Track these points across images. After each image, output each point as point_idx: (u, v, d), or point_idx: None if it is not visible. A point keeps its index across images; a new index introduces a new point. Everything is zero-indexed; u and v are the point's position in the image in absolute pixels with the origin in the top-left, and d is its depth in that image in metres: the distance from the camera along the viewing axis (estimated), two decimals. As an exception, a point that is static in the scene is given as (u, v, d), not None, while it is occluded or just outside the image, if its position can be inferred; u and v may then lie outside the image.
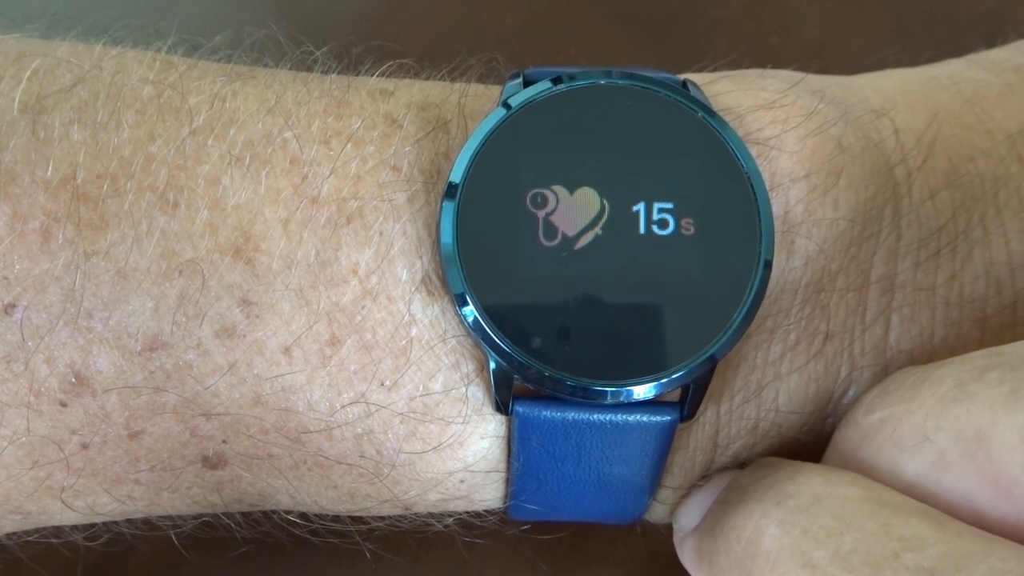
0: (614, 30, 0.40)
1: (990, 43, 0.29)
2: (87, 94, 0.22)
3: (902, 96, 0.26)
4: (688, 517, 0.24)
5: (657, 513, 0.26)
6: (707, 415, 0.24)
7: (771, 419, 0.24)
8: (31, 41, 0.23)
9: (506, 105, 0.22)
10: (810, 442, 0.25)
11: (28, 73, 0.22)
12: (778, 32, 0.40)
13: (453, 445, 0.22)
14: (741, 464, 0.24)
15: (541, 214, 0.21)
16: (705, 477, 0.25)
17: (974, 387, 0.20)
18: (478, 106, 0.23)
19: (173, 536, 0.25)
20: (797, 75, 0.25)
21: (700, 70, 0.26)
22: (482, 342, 0.21)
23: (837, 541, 0.19)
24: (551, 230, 0.21)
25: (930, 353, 0.24)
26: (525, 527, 0.28)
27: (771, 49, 0.39)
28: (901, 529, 0.19)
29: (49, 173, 0.21)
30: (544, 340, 0.21)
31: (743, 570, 0.21)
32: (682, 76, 0.24)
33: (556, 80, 0.22)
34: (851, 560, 0.19)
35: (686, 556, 0.24)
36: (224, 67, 0.23)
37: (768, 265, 0.22)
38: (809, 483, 0.21)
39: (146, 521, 0.25)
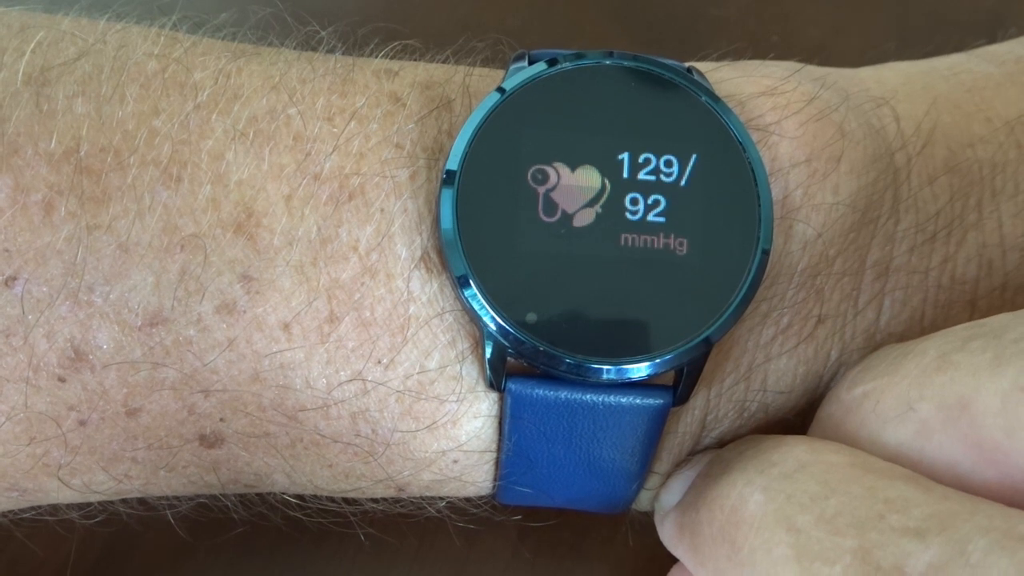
0: (614, 30, 0.41)
1: (991, 42, 0.29)
2: (91, 67, 0.22)
3: (903, 86, 0.26)
4: (670, 495, 0.24)
5: (644, 501, 0.26)
6: (697, 399, 0.24)
7: (759, 400, 0.24)
8: (34, 14, 0.23)
9: (500, 90, 0.22)
10: (797, 424, 0.25)
11: (32, 45, 0.22)
12: (778, 31, 0.40)
13: (447, 424, 0.22)
14: (724, 444, 0.24)
15: (541, 190, 0.21)
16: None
17: (957, 356, 0.20)
18: (483, 86, 0.23)
19: (169, 515, 0.25)
20: (799, 65, 0.25)
21: (702, 59, 0.26)
22: (480, 318, 0.21)
23: (822, 505, 0.19)
24: (551, 206, 0.21)
25: (919, 335, 0.24)
26: (518, 516, 0.28)
27: (771, 48, 0.39)
28: (886, 492, 0.19)
29: (52, 145, 0.21)
30: (540, 316, 0.21)
31: (726, 538, 0.21)
32: (686, 64, 0.24)
33: (551, 62, 0.22)
34: (836, 523, 0.19)
35: (666, 532, 0.24)
36: (229, 44, 0.23)
37: (766, 251, 0.22)
38: (793, 451, 0.21)
39: (142, 501, 0.25)
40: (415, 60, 0.24)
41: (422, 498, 0.25)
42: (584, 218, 0.21)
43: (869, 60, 0.28)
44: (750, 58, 0.26)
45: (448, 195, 0.21)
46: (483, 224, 0.21)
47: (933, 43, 0.30)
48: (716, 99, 0.22)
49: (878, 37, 0.39)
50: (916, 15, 0.40)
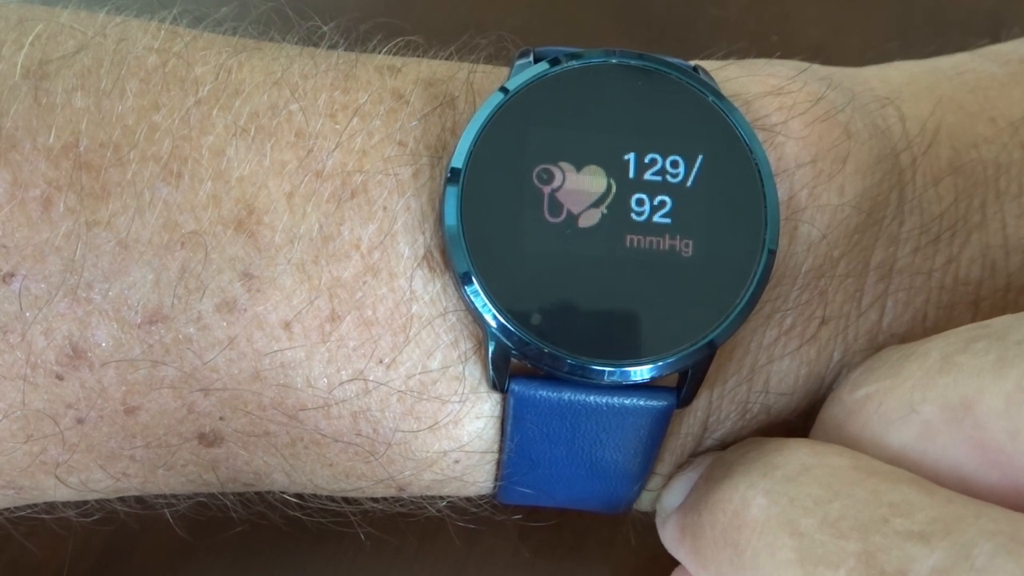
0: (614, 30, 0.41)
1: (993, 42, 0.29)
2: (90, 61, 0.21)
3: (907, 86, 0.26)
4: (672, 497, 0.24)
5: (645, 502, 0.26)
6: (700, 401, 0.24)
7: (761, 401, 0.24)
8: (33, 7, 0.23)
9: (504, 88, 0.22)
10: (799, 425, 0.25)
11: (31, 38, 0.21)
12: (778, 31, 0.40)
13: (448, 424, 0.22)
14: (726, 446, 0.24)
15: (547, 190, 0.21)
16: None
17: (960, 358, 0.20)
18: (487, 83, 0.23)
19: (168, 515, 0.25)
20: (805, 64, 0.25)
21: (705, 59, 0.26)
22: (483, 319, 0.21)
23: (825, 508, 0.19)
24: (556, 206, 0.21)
25: (921, 336, 0.24)
26: (518, 516, 0.28)
27: (771, 48, 0.39)
28: (890, 495, 0.19)
29: (51, 140, 0.21)
30: (545, 317, 0.21)
31: (729, 541, 0.21)
32: (692, 62, 0.24)
33: (556, 60, 0.22)
34: (839, 526, 0.19)
35: (668, 535, 0.24)
36: (230, 39, 0.23)
37: (772, 253, 0.22)
38: (796, 454, 0.21)
39: (140, 500, 0.25)
40: (418, 57, 0.24)
41: (423, 498, 0.25)
42: (589, 218, 0.21)
43: (870, 60, 0.28)
44: (752, 58, 0.26)
45: (452, 193, 0.21)
46: (487, 223, 0.21)
47: (935, 43, 0.30)
48: (722, 98, 0.22)
49: (879, 37, 0.39)
50: (917, 15, 0.40)
